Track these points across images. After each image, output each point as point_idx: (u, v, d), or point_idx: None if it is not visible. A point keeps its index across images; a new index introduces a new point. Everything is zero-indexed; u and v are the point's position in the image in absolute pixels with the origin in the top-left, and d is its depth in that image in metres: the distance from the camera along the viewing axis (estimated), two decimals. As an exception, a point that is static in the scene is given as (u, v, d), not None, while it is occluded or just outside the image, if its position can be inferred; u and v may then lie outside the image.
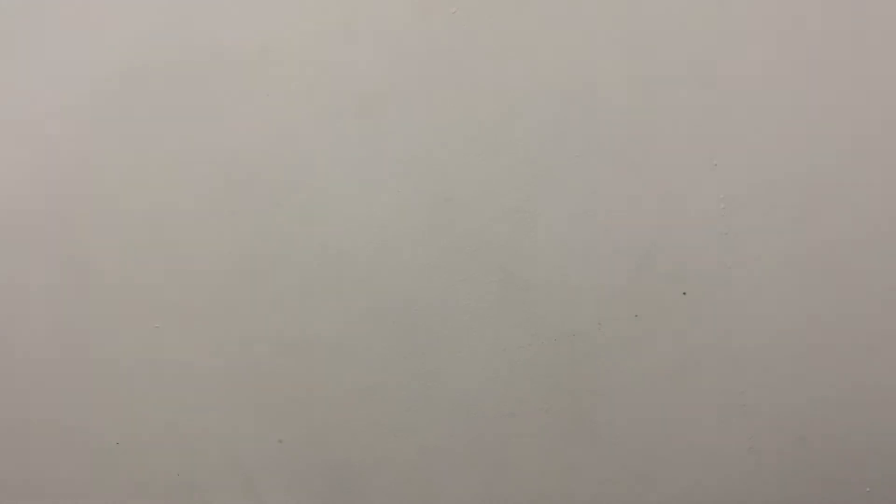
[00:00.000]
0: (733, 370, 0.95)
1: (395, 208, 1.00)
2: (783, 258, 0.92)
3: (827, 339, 0.93)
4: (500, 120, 0.95)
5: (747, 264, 0.93)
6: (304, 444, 1.08)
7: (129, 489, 1.15)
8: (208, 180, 1.04)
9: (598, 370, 0.99)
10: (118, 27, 1.03)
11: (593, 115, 0.93)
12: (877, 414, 0.94)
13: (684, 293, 0.95)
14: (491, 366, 1.01)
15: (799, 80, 0.89)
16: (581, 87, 0.93)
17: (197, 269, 1.06)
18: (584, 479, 1.02)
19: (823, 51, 0.88)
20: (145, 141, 1.05)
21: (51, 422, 1.15)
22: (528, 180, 0.96)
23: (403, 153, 0.98)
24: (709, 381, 0.96)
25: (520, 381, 1.01)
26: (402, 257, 1.00)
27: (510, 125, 0.95)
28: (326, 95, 0.99)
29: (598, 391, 0.99)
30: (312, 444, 1.08)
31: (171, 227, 1.06)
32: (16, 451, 1.18)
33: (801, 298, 0.93)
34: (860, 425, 0.94)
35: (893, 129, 0.88)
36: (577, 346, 0.98)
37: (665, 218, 0.94)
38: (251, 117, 1.01)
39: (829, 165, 0.90)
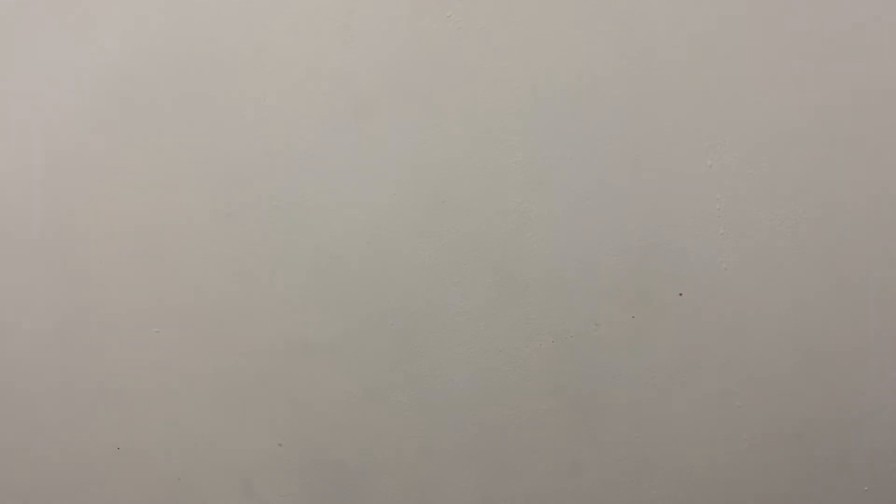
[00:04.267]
0: (730, 370, 0.96)
1: (391, 210, 1.00)
2: (779, 259, 0.92)
3: (824, 339, 0.93)
4: (494, 122, 0.96)
5: (743, 265, 0.93)
6: (303, 447, 1.09)
7: (130, 494, 1.15)
8: (204, 183, 1.04)
9: (595, 371, 0.99)
10: (112, 29, 1.03)
11: (588, 116, 0.93)
12: (874, 413, 0.94)
13: (681, 294, 0.95)
14: (488, 367, 1.01)
15: (796, 79, 0.89)
16: (576, 89, 0.93)
17: (194, 273, 1.06)
18: (581, 479, 1.02)
19: (820, 49, 0.88)
20: (140, 144, 1.05)
21: (51, 427, 1.16)
22: (523, 182, 0.96)
23: (399, 155, 0.99)
24: (705, 382, 0.96)
25: (517, 383, 1.01)
26: (398, 259, 1.01)
27: (505, 127, 0.96)
28: (322, 98, 0.99)
29: (595, 392, 0.99)
30: (312, 448, 1.08)
31: (168, 231, 1.06)
32: (16, 456, 1.18)
33: (798, 299, 0.93)
34: (857, 424, 0.94)
35: (894, 128, 0.88)
36: (574, 347, 0.99)
37: (661, 219, 0.94)
38: (247, 120, 1.01)
39: (826, 165, 0.90)
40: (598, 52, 0.92)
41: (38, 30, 1.06)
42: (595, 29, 0.92)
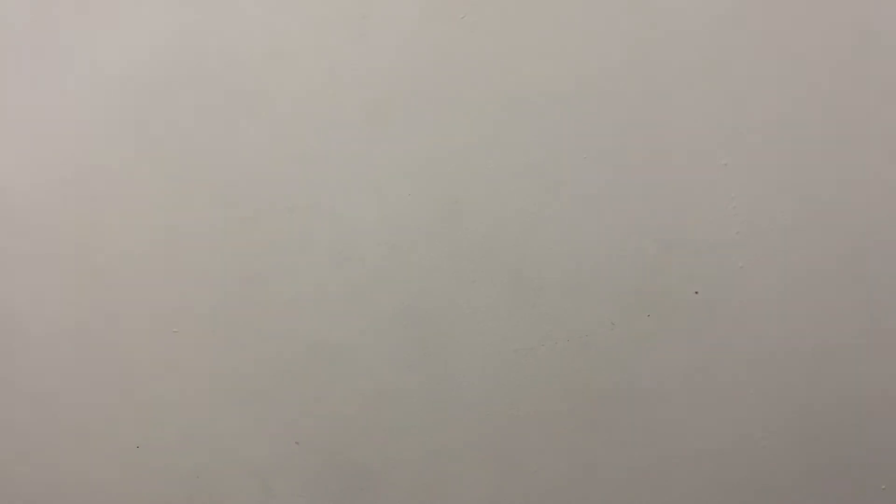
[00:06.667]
0: (746, 369, 0.95)
1: (405, 211, 1.00)
2: (795, 257, 0.92)
3: (840, 338, 0.93)
4: (508, 123, 0.96)
5: (759, 263, 0.93)
6: (320, 445, 1.09)
7: (149, 492, 1.16)
8: (221, 186, 1.05)
9: (611, 370, 0.99)
10: (129, 35, 1.04)
11: (602, 116, 0.93)
12: (892, 410, 0.93)
13: (696, 293, 0.95)
14: (503, 367, 1.01)
15: (811, 77, 0.88)
16: (590, 89, 0.93)
17: (212, 274, 1.07)
18: (596, 479, 1.02)
19: (834, 48, 0.87)
20: (157, 148, 1.06)
21: (71, 425, 1.17)
22: (537, 182, 0.96)
23: (413, 157, 0.99)
24: (721, 380, 0.96)
25: (532, 383, 1.01)
26: (412, 260, 1.01)
27: (519, 128, 0.96)
28: (336, 100, 1.00)
29: (610, 391, 0.99)
30: (328, 446, 1.09)
31: (186, 233, 1.07)
32: (38, 454, 1.20)
33: (814, 297, 0.92)
34: (874, 422, 0.94)
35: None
36: (590, 346, 0.99)
37: (676, 218, 0.93)
38: (262, 123, 1.02)
39: (840, 164, 0.89)
40: (612, 52, 0.92)
41: (56, 38, 1.07)
42: (608, 29, 0.91)
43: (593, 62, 0.92)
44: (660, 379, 0.98)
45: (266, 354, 1.08)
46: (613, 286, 0.96)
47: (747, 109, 0.90)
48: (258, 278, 1.06)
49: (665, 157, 0.92)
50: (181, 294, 1.09)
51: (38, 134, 1.10)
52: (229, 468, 1.13)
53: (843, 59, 0.87)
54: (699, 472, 0.99)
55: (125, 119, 1.07)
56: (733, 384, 0.96)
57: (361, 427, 1.08)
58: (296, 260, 1.04)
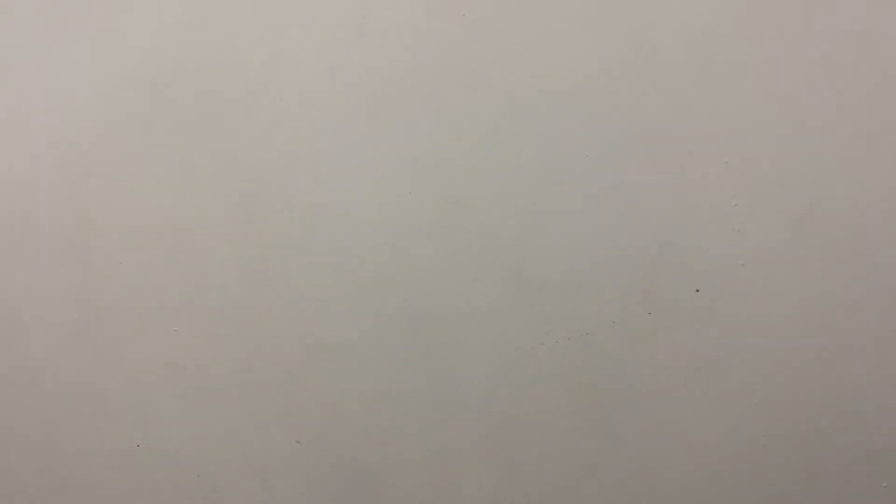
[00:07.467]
0: (747, 367, 0.95)
1: (406, 210, 1.00)
2: (796, 255, 0.92)
3: (841, 334, 0.93)
4: (509, 121, 0.96)
5: (760, 261, 0.93)
6: (321, 444, 1.09)
7: (150, 491, 1.16)
8: (221, 184, 1.05)
9: (612, 368, 0.99)
10: (131, 32, 1.05)
11: (603, 114, 0.93)
12: (893, 408, 0.93)
13: (697, 290, 0.95)
14: (504, 366, 1.01)
15: (812, 74, 0.89)
16: (591, 87, 0.93)
17: (213, 273, 1.07)
18: (598, 478, 1.02)
19: (834, 46, 0.88)
20: (158, 146, 1.06)
21: (71, 424, 1.17)
22: (538, 180, 0.96)
23: (413, 155, 0.99)
24: (723, 378, 0.96)
25: (533, 382, 1.01)
26: (413, 259, 1.01)
27: (520, 126, 0.96)
28: (337, 99, 1.00)
29: (611, 389, 0.99)
30: (329, 445, 1.09)
31: (187, 231, 1.07)
32: (37, 453, 1.20)
33: (815, 295, 0.92)
34: (876, 420, 0.94)
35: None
36: (591, 344, 0.99)
37: (677, 216, 0.94)
38: (263, 121, 1.02)
39: (842, 161, 0.89)
40: (613, 50, 0.92)
41: (59, 34, 1.07)
42: (609, 27, 0.92)
43: (594, 61, 0.93)
44: (661, 377, 0.98)
45: (266, 354, 1.08)
46: (614, 284, 0.96)
47: (747, 108, 0.90)
48: (259, 277, 1.06)
49: (666, 155, 0.93)
50: (181, 293, 1.09)
51: (39, 133, 1.10)
52: (229, 468, 1.13)
53: (844, 57, 0.87)
54: (699, 471, 0.99)
55: (125, 119, 1.07)
56: (734, 382, 0.96)
57: (362, 427, 1.08)
58: (296, 259, 1.04)
